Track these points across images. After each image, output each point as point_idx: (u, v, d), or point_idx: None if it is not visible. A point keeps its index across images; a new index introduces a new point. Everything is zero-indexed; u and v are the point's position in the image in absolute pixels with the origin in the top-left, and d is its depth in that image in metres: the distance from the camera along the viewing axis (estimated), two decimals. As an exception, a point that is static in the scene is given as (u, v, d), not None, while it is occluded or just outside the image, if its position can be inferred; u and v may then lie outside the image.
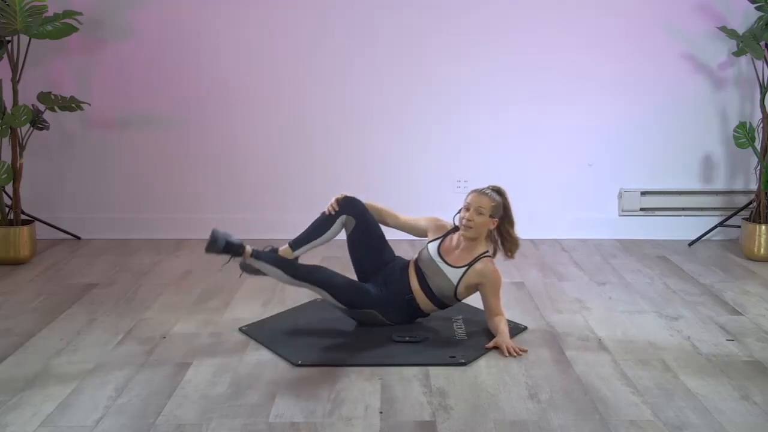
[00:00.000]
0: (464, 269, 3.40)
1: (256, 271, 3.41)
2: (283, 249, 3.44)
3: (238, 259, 3.37)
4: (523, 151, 5.11)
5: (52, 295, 3.96)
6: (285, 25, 5.01)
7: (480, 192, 3.43)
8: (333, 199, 3.50)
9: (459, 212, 3.45)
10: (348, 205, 3.49)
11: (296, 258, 3.45)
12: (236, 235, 3.38)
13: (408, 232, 3.65)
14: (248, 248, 3.36)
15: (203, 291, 4.03)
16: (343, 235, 3.54)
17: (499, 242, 3.49)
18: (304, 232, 3.49)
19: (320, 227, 3.48)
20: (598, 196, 5.19)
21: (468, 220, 3.39)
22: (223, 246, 3.31)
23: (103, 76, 5.01)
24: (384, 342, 3.31)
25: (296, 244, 3.46)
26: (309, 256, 3.52)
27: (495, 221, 3.42)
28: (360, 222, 3.49)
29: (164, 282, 4.20)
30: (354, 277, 3.58)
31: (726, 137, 5.09)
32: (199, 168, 5.13)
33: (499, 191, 3.46)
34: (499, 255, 3.51)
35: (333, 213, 3.47)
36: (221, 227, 3.37)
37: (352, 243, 3.55)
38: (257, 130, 5.11)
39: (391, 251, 3.60)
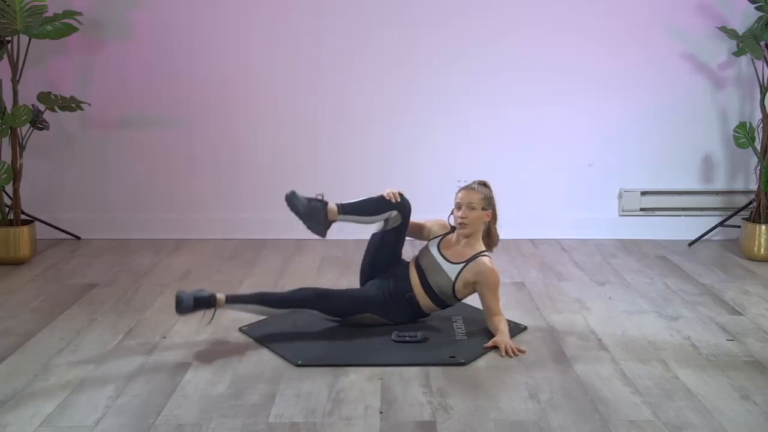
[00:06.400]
0: (462, 266, 3.41)
1: (295, 206, 3.33)
2: (332, 207, 3.40)
3: (211, 311, 3.27)
4: (523, 151, 5.11)
5: (52, 295, 3.96)
6: (285, 25, 5.01)
7: (468, 188, 3.46)
8: (390, 192, 3.45)
9: (452, 212, 3.47)
10: (404, 203, 3.47)
11: (332, 222, 3.39)
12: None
13: (411, 234, 3.61)
14: (220, 296, 3.29)
15: (203, 291, 4.03)
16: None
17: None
18: (359, 203, 3.45)
19: (376, 209, 3.44)
20: (598, 196, 5.19)
21: (462, 217, 3.41)
22: (192, 304, 3.23)
23: (103, 76, 5.00)
24: (384, 342, 3.31)
25: (345, 210, 3.42)
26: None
27: (489, 213, 3.45)
28: (403, 224, 3.49)
29: (164, 282, 4.20)
30: (356, 276, 3.58)
31: (726, 137, 5.09)
32: (199, 168, 5.13)
33: (485, 184, 3.50)
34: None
35: (395, 201, 3.42)
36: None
37: (382, 240, 3.52)
38: (257, 130, 5.11)
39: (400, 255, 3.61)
